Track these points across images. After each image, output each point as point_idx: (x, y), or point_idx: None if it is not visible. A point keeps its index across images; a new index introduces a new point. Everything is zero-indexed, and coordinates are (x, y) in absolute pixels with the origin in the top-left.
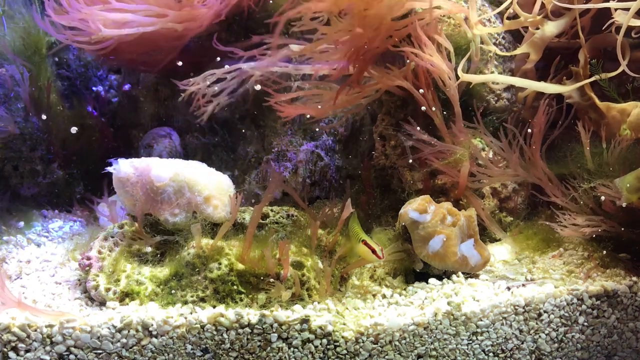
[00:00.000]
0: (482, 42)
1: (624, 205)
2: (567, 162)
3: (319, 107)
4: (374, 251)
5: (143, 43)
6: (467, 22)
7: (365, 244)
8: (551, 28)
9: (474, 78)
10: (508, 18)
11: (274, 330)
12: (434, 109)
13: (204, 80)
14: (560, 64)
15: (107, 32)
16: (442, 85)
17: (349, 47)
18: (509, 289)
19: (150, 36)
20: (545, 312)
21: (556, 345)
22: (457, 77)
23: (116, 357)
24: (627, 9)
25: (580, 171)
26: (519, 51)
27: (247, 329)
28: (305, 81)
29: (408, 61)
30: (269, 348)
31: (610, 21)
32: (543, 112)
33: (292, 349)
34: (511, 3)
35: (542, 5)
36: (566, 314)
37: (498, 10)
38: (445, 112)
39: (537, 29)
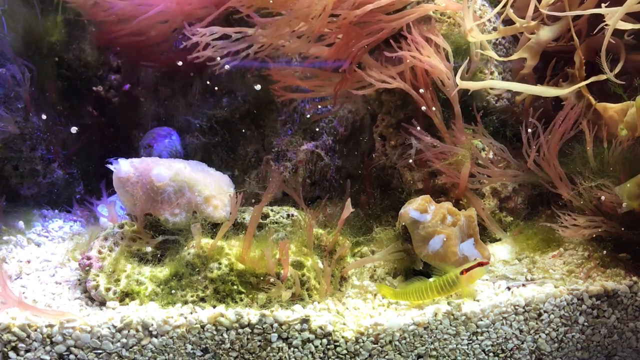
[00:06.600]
0: (481, 46)
1: (624, 206)
2: (568, 161)
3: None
4: (479, 264)
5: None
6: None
7: (466, 270)
8: (547, 33)
9: (472, 85)
10: (504, 22)
11: (274, 330)
12: (433, 108)
13: (210, 33)
14: (558, 65)
15: None
16: (442, 85)
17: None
18: (509, 288)
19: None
20: (545, 312)
21: (556, 345)
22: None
23: (116, 357)
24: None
25: (583, 169)
26: (515, 56)
27: (247, 329)
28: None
29: (408, 60)
30: (269, 348)
31: (602, 24)
32: (571, 108)
33: (292, 348)
34: (506, 4)
35: (538, 9)
36: (566, 314)
37: (494, 12)
38: (445, 112)
39: (533, 33)
